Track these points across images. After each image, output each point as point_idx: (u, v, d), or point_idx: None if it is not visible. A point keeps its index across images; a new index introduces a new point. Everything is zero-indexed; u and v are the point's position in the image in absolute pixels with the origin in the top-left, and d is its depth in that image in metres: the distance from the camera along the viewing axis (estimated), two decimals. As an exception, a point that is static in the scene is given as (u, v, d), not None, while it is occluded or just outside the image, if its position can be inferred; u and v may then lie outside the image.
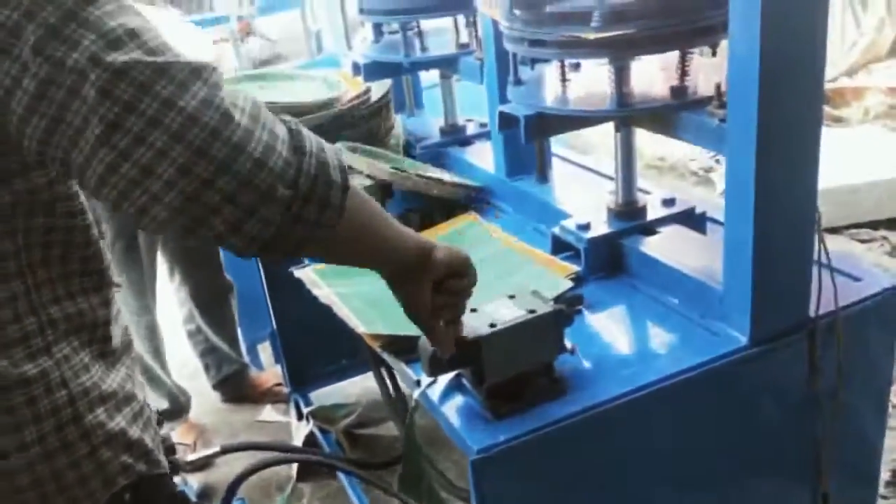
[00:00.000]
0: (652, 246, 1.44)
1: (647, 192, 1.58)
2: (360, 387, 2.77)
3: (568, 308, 1.19)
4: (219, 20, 3.55)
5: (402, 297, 1.08)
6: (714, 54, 1.35)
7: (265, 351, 3.08)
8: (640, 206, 1.51)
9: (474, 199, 1.88)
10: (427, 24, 2.07)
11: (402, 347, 1.29)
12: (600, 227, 1.49)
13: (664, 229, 1.49)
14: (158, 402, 2.68)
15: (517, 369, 1.15)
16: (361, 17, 2.02)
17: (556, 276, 1.44)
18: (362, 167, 1.80)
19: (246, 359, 2.99)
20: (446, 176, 1.93)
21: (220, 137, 0.76)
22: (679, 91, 1.32)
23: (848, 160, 3.77)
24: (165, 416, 2.73)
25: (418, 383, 1.22)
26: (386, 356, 1.31)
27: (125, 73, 0.74)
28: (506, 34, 1.41)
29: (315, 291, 1.47)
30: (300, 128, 0.86)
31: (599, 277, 1.47)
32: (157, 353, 2.66)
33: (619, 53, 1.28)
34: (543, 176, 1.80)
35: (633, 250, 1.45)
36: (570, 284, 1.40)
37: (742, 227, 1.17)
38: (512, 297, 1.20)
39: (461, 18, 2.05)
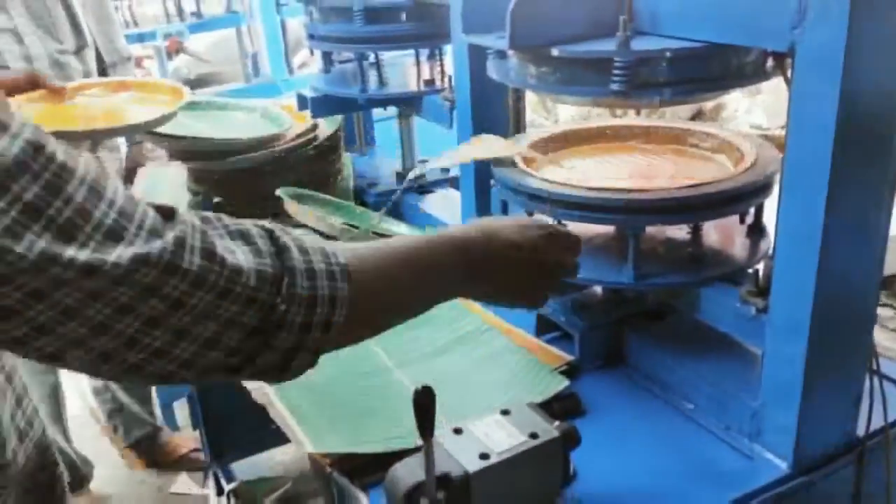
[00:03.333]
0: (661, 335, 1.20)
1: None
2: (289, 455, 2.46)
3: (572, 427, 0.94)
4: (143, 36, 3.21)
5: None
6: (742, 221, 1.16)
7: (182, 409, 2.73)
8: (642, 285, 1.28)
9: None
10: (385, 54, 1.82)
11: (359, 465, 1.02)
12: (598, 309, 1.25)
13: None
14: (54, 473, 2.32)
15: (514, 511, 0.89)
16: (311, 44, 1.75)
17: (546, 369, 1.19)
18: (308, 220, 1.52)
19: (160, 420, 2.64)
20: (405, 231, 1.67)
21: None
22: (697, 261, 1.13)
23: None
24: (62, 489, 2.36)
25: (382, 523, 0.94)
26: (338, 479, 1.03)
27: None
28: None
29: (247, 384, 1.18)
30: (290, 262, 0.67)
31: (596, 368, 1.23)
32: (58, 417, 2.30)
33: (635, 222, 1.08)
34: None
35: (637, 340, 1.21)
36: (566, 382, 1.15)
37: (794, 344, 0.94)
38: (506, 412, 0.94)
39: (424, 51, 1.81)
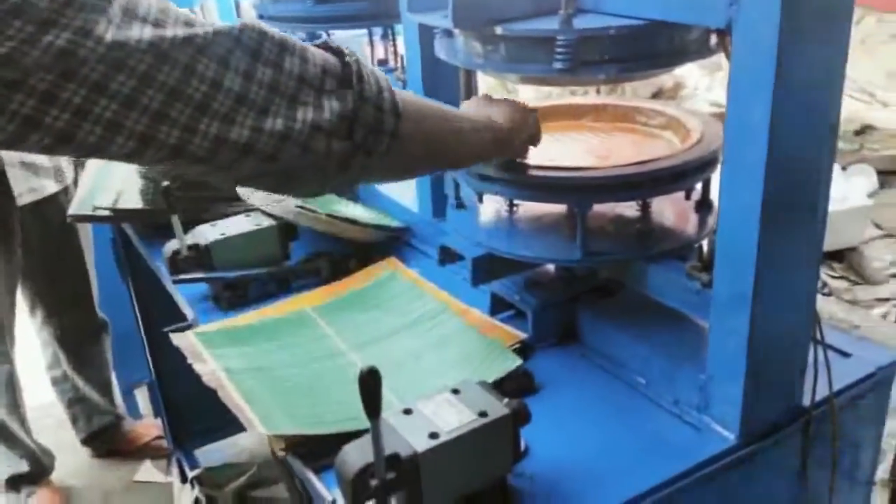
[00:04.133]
0: (613, 312, 1.21)
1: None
2: (252, 440, 2.45)
3: (522, 404, 0.94)
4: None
5: None
6: (687, 197, 1.17)
7: (144, 396, 2.71)
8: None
9: (394, 241, 1.62)
10: (337, 33, 1.80)
11: (313, 449, 1.02)
12: (551, 287, 1.25)
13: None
14: (16, 465, 2.29)
15: (464, 490, 0.90)
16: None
17: (500, 347, 1.20)
18: (260, 203, 1.51)
19: (121, 408, 2.61)
20: (361, 213, 1.66)
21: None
22: (645, 237, 1.15)
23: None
24: (24, 481, 2.34)
25: (333, 504, 0.95)
26: (291, 462, 1.03)
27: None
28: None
29: (197, 367, 1.17)
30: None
31: (549, 345, 1.24)
32: (15, 407, 2.27)
33: (582, 200, 1.08)
34: (474, 216, 1.56)
35: (590, 317, 1.22)
36: (518, 361, 1.15)
37: (738, 317, 0.96)
38: (455, 391, 0.94)
39: (377, 30, 1.79)
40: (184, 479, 2.28)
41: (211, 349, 1.23)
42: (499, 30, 1.02)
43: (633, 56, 1.03)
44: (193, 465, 2.29)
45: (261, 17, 1.70)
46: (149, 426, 2.64)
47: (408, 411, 0.91)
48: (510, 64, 1.05)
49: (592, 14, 1.02)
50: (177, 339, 1.27)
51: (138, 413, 2.75)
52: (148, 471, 2.55)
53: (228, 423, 2.35)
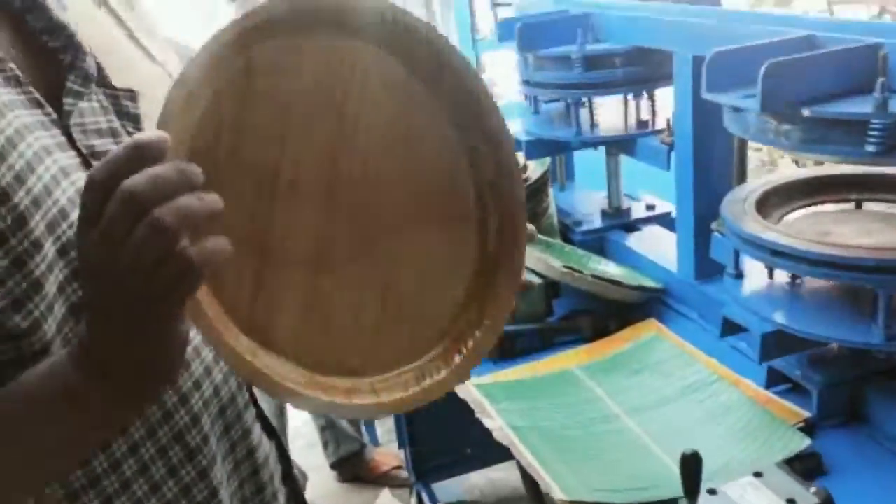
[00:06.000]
0: (910, 395, 1.16)
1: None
2: (485, 478, 2.54)
3: (828, 494, 0.93)
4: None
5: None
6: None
7: (381, 425, 2.90)
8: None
9: (652, 302, 1.64)
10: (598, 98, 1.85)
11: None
12: (839, 364, 1.22)
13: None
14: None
15: (772, 577, 0.90)
16: (525, 90, 1.82)
17: (785, 424, 1.18)
18: (530, 262, 1.58)
19: (364, 435, 2.80)
20: (618, 272, 1.70)
21: None
22: None
23: None
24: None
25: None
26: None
27: None
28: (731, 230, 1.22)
29: (487, 423, 1.26)
30: None
31: (833, 425, 1.20)
32: (283, 431, 2.51)
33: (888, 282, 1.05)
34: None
35: (881, 398, 1.17)
36: (807, 441, 1.13)
37: None
38: (758, 474, 0.95)
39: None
40: (423, 510, 2.41)
41: (493, 403, 1.31)
42: (806, 112, 1.02)
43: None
44: (432, 499, 2.41)
45: (526, 82, 1.79)
46: (388, 455, 2.81)
47: (712, 491, 0.93)
48: (813, 144, 1.05)
49: (904, 95, 1.00)
50: (461, 391, 1.36)
51: (377, 441, 2.94)
52: (387, 498, 2.72)
53: (466, 460, 2.46)
